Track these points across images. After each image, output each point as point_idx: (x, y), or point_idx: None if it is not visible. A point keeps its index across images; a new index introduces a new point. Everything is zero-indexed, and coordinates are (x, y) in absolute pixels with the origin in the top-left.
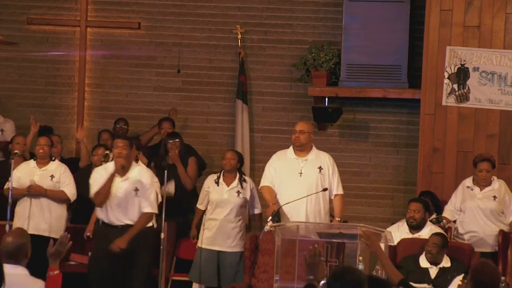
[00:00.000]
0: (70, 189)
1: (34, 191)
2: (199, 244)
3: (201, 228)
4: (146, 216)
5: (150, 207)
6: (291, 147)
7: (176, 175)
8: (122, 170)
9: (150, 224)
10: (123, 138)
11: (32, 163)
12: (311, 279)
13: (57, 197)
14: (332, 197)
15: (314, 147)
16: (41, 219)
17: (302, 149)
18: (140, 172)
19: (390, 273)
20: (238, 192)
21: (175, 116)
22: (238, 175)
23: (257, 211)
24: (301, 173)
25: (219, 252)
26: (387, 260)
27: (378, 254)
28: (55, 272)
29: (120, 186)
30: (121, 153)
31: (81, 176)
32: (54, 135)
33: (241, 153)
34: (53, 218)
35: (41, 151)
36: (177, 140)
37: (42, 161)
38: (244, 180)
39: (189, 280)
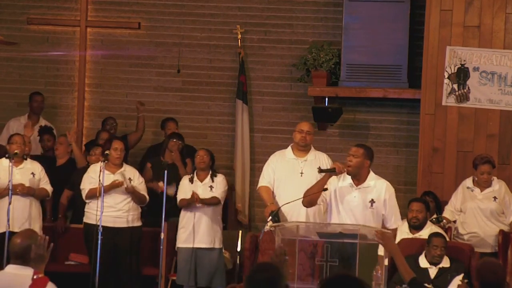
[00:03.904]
0: (49, 186)
1: (23, 192)
2: (177, 245)
3: (178, 228)
4: None
5: None
6: (289, 147)
7: (176, 175)
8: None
9: (140, 224)
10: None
11: (5, 162)
12: None
13: (41, 194)
14: None
15: (312, 147)
16: (22, 216)
17: (304, 149)
18: None
19: (403, 271)
20: (211, 187)
21: (142, 109)
22: (210, 172)
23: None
24: (302, 173)
25: (197, 249)
26: (401, 258)
27: (393, 252)
28: (39, 276)
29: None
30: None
31: (77, 178)
32: (61, 136)
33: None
34: (34, 215)
35: (19, 149)
36: (179, 141)
37: (17, 159)
38: (215, 176)
39: None
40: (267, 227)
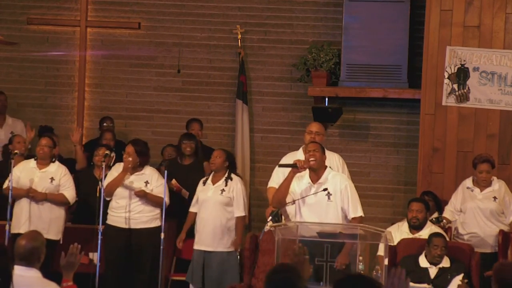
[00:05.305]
0: (70, 192)
1: (34, 196)
2: (194, 246)
3: (195, 229)
4: None
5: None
6: (300, 149)
7: (192, 177)
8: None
9: (158, 224)
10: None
11: (32, 163)
12: None
13: (57, 200)
14: None
15: (324, 148)
16: (40, 219)
17: None
18: None
19: None
20: (222, 190)
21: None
22: (226, 174)
23: (238, 213)
24: None
25: (204, 252)
26: None
27: None
28: (69, 284)
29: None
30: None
31: (81, 178)
32: (44, 137)
33: (232, 152)
34: (52, 219)
35: (41, 152)
36: (190, 141)
37: (43, 162)
38: (230, 179)
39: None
40: (267, 227)
